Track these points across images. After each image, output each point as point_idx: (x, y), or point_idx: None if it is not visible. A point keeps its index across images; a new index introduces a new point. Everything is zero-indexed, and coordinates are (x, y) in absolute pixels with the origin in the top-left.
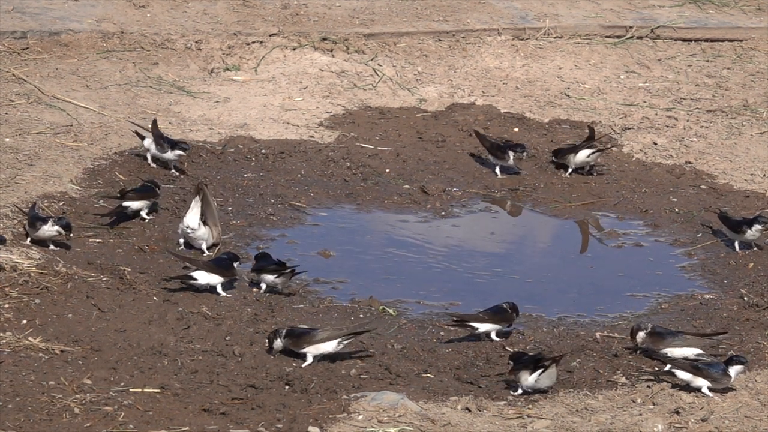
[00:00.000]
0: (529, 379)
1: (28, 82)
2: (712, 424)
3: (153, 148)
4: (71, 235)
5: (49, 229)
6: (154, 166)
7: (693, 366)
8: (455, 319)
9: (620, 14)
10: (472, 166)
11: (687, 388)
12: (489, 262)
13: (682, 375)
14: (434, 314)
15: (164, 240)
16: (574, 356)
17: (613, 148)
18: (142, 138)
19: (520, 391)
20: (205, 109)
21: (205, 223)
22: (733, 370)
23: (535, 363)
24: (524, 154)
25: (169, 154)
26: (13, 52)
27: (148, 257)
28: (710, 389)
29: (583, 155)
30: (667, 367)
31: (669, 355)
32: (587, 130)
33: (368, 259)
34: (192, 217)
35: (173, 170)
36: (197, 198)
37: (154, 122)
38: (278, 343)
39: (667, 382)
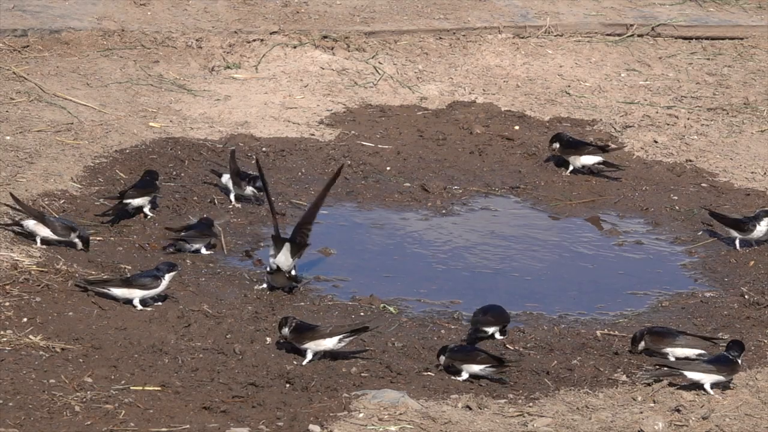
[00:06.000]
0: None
1: (28, 80)
2: (713, 422)
3: (230, 185)
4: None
5: (72, 239)
6: (238, 205)
7: (700, 364)
8: (474, 324)
9: (621, 12)
10: (473, 164)
11: (694, 386)
12: (489, 260)
13: (692, 375)
14: (435, 312)
15: (165, 238)
16: (575, 354)
17: (617, 149)
18: (219, 175)
19: (465, 375)
20: (205, 107)
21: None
22: (739, 357)
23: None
24: None
25: (248, 191)
26: (13, 50)
27: (148, 255)
28: (716, 384)
29: (589, 160)
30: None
31: (670, 355)
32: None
33: (369, 257)
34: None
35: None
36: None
37: (232, 154)
38: (285, 331)
39: (673, 384)
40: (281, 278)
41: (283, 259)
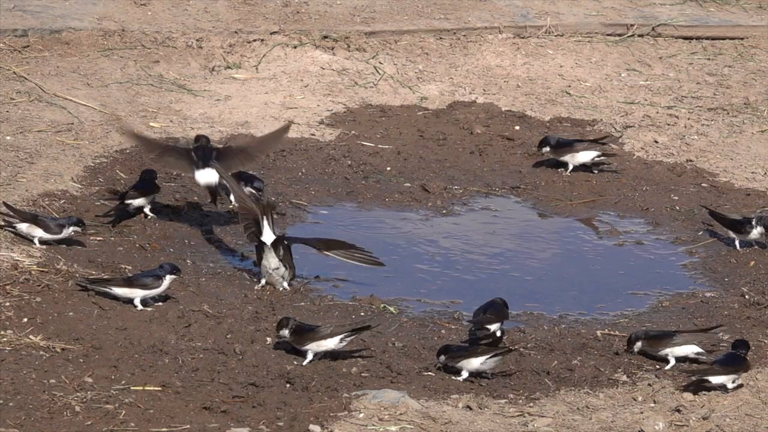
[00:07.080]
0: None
1: (29, 80)
2: (713, 422)
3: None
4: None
5: (67, 231)
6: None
7: (720, 365)
8: (475, 324)
9: (621, 12)
10: (473, 164)
11: (695, 387)
12: (490, 260)
13: (716, 380)
14: (435, 312)
15: (165, 237)
16: (575, 354)
17: (614, 146)
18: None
19: (465, 375)
20: (206, 107)
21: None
22: (746, 354)
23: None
24: None
25: (246, 191)
26: (14, 50)
27: (149, 255)
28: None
29: (587, 155)
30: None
31: (669, 355)
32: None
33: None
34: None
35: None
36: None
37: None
38: (284, 332)
39: (702, 390)
40: (273, 258)
41: (266, 229)
